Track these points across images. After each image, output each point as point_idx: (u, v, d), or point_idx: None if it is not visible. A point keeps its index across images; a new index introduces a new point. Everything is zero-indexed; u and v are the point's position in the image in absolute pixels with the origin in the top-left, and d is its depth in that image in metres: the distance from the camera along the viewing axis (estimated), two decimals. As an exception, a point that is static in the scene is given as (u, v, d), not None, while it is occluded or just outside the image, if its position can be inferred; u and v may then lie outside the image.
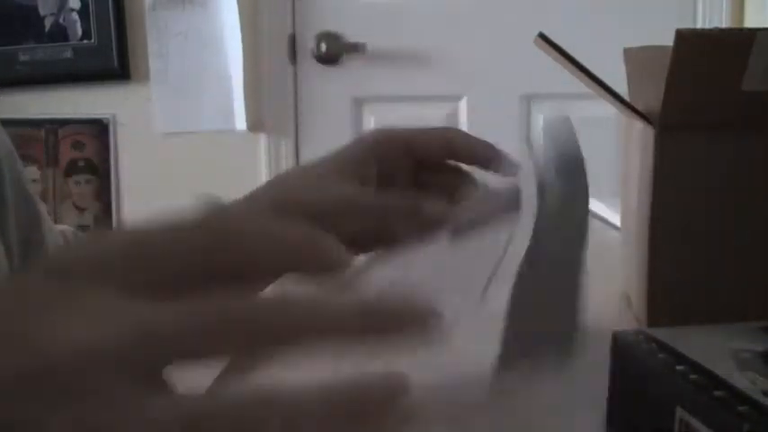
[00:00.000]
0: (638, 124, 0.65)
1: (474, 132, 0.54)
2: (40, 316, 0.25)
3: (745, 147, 0.60)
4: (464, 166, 0.54)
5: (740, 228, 0.61)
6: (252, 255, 0.28)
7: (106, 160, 2.30)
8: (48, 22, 2.24)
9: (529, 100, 2.22)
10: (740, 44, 0.56)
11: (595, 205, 1.14)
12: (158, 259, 0.27)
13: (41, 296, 0.26)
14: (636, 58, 0.73)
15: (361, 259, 0.48)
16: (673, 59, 0.57)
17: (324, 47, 2.21)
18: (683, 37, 0.56)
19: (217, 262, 0.27)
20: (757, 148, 0.60)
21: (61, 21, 2.23)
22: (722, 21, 2.11)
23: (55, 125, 2.30)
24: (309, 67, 2.24)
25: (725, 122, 0.59)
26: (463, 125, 2.21)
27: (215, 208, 0.29)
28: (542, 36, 0.63)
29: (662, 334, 0.47)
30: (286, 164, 2.26)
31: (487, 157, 0.52)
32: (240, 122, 2.22)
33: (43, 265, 0.28)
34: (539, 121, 2.23)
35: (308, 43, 2.23)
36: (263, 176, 2.27)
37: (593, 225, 1.15)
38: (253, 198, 0.51)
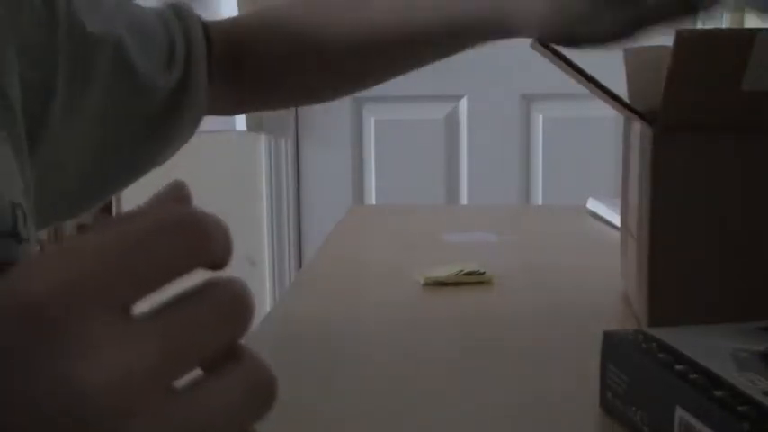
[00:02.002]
0: (638, 124, 0.65)
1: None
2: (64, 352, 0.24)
3: (745, 147, 0.60)
4: None
5: (740, 227, 0.61)
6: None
7: (106, 160, 2.30)
8: (48, 22, 2.24)
9: (529, 100, 2.22)
10: (740, 44, 0.56)
11: (595, 205, 1.14)
12: (145, 273, 0.26)
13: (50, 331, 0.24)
14: (636, 58, 0.72)
15: None
16: (673, 59, 0.57)
17: (324, 47, 2.21)
18: (683, 37, 0.56)
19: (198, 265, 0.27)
20: (757, 148, 0.60)
21: (61, 21, 2.23)
22: (722, 21, 2.11)
23: (55, 125, 2.29)
24: (309, 67, 2.24)
25: (725, 122, 0.59)
26: (463, 125, 2.20)
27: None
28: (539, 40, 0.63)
29: (662, 334, 0.47)
30: (286, 164, 2.26)
31: None
32: (240, 122, 2.22)
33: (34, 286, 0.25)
34: (539, 120, 2.23)
35: (308, 43, 2.23)
36: (263, 176, 2.27)
37: (594, 225, 1.15)
38: None
